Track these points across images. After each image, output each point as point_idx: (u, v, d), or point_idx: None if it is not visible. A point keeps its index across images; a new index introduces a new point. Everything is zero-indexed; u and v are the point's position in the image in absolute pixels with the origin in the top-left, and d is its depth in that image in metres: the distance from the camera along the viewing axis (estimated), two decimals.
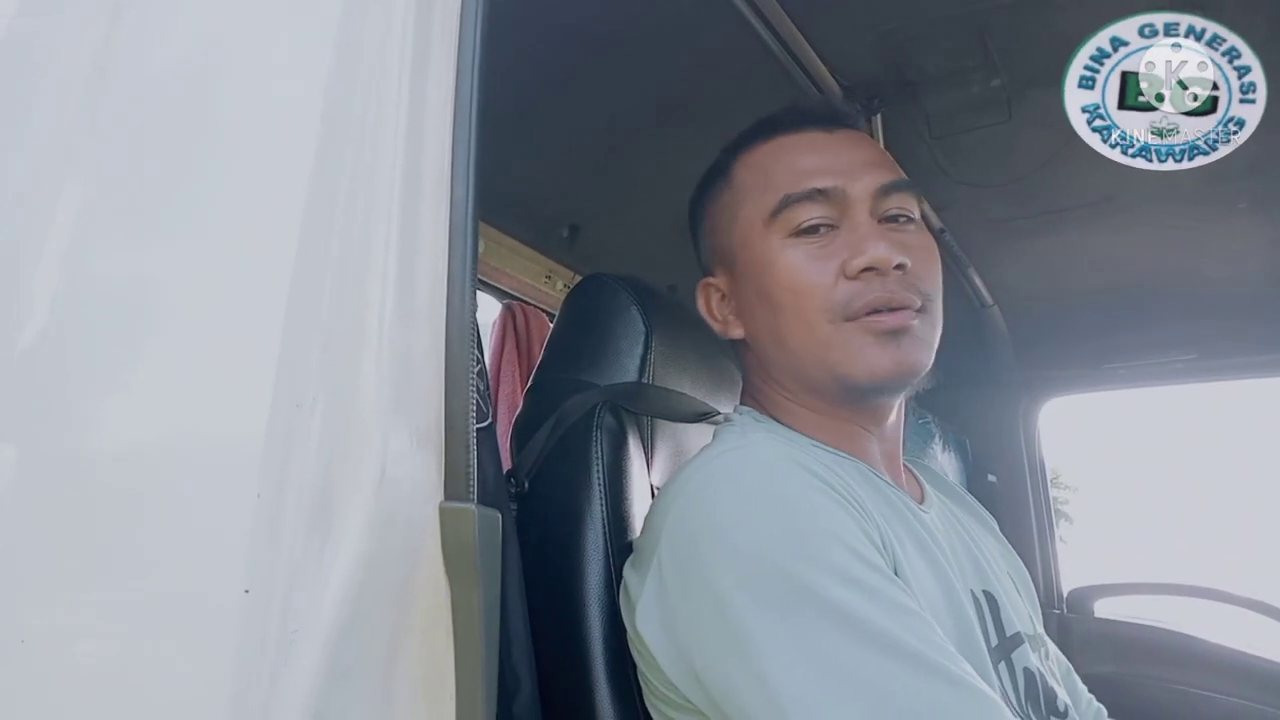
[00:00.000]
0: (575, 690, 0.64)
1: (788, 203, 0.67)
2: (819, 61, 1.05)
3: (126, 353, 0.54)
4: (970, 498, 0.87)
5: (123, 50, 0.63)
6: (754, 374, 0.77)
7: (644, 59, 1.02)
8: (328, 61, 0.54)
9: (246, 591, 0.46)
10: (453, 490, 0.51)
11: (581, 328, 0.81)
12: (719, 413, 0.86)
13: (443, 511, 0.50)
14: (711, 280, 0.76)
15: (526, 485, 0.71)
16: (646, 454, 0.78)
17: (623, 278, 0.81)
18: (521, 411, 0.78)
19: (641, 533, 0.66)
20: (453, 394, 0.52)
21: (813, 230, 0.67)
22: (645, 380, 0.77)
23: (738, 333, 0.74)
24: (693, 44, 1.00)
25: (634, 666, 0.65)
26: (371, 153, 0.53)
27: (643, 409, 0.78)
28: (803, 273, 0.67)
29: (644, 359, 0.77)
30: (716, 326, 0.76)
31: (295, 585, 0.47)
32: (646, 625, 0.60)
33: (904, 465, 0.79)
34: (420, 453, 0.51)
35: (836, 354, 0.66)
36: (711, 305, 0.76)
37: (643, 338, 0.77)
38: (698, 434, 0.86)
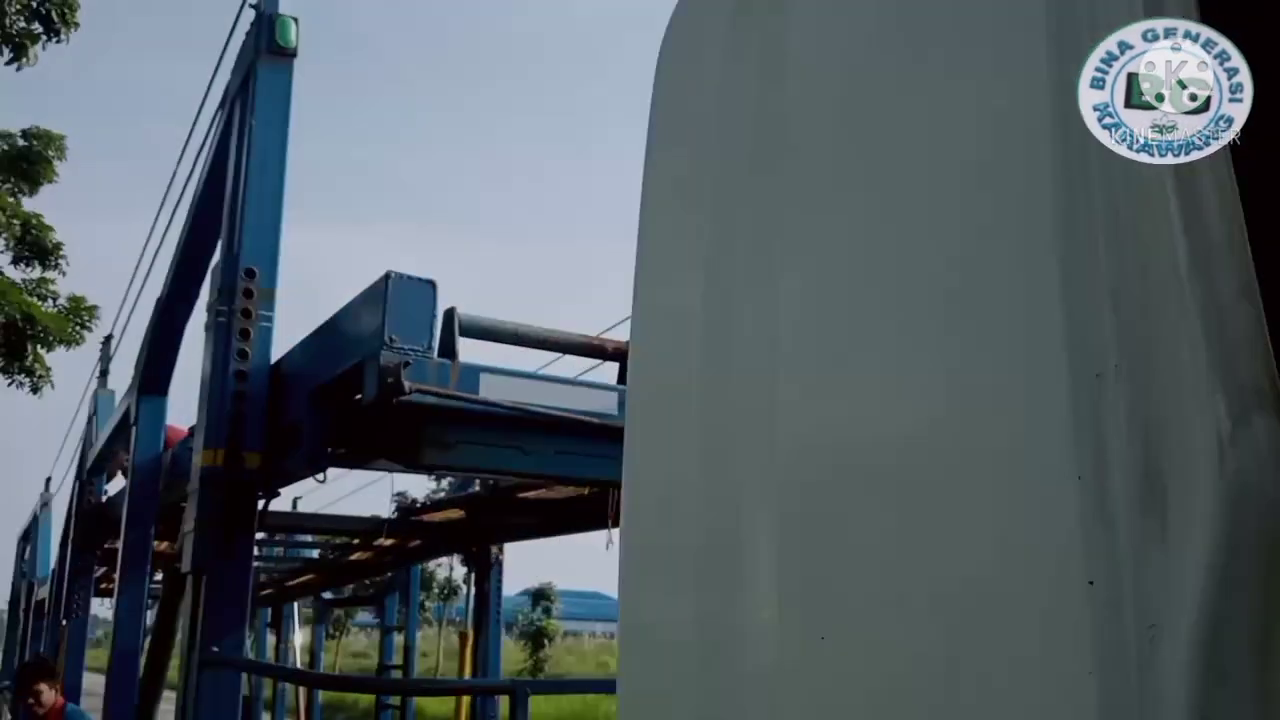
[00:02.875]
0: None
1: None
2: None
3: (911, 346, 0.54)
4: None
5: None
6: None
7: None
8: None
9: (1090, 583, 0.42)
10: None
11: None
12: None
13: None
14: None
15: None
16: None
17: None
18: None
19: None
20: None
21: None
22: None
23: None
24: None
25: None
26: None
27: None
28: None
29: None
30: None
31: (1140, 576, 0.42)
32: None
33: None
34: (1257, 414, 0.43)
35: None
36: None
37: None
38: None
